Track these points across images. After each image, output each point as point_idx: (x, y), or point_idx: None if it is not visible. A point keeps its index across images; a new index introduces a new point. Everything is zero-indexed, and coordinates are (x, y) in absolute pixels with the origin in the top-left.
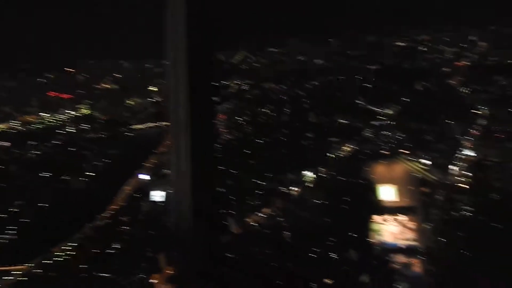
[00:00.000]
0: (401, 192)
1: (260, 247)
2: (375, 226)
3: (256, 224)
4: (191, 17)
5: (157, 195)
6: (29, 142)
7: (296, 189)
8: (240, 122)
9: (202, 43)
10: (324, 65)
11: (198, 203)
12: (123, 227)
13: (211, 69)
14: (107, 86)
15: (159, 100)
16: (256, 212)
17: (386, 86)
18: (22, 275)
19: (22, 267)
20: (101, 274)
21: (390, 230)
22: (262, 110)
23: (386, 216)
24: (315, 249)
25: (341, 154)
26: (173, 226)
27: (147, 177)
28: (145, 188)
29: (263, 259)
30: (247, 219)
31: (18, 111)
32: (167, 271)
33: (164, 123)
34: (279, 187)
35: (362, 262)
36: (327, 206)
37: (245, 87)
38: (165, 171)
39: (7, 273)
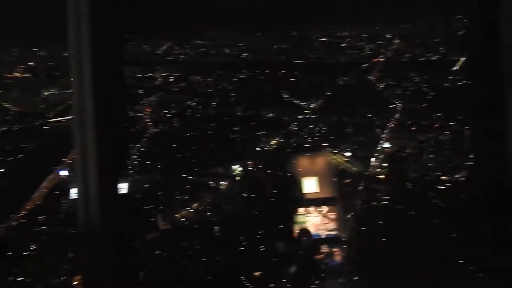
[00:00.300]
0: (323, 184)
1: (189, 242)
2: (300, 218)
3: (185, 219)
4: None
5: (75, 192)
6: None
7: (224, 182)
8: (167, 115)
9: (108, 29)
10: (250, 58)
11: (107, 202)
12: (41, 227)
13: (119, 59)
14: (18, 75)
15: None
16: (185, 207)
17: (310, 80)
18: None
19: None
20: (17, 279)
21: (313, 221)
22: (189, 103)
23: (309, 208)
24: (244, 242)
25: (268, 147)
26: (83, 226)
27: (65, 173)
28: (65, 185)
29: (193, 254)
30: (176, 215)
31: None
32: (88, 272)
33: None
34: (208, 181)
35: (289, 254)
36: (255, 199)
37: (171, 79)
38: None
39: None
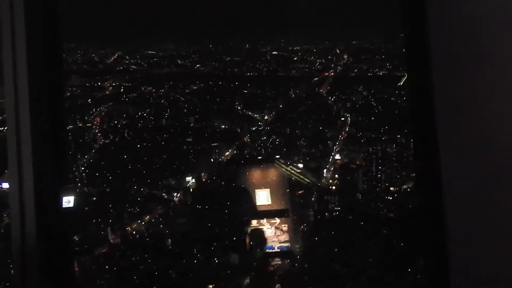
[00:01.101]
0: (276, 196)
1: (141, 255)
2: (253, 230)
3: (136, 233)
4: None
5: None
6: None
7: (177, 194)
8: (117, 126)
9: (45, 35)
10: (203, 70)
11: (44, 217)
12: None
13: (58, 68)
14: None
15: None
16: (136, 220)
17: (262, 92)
18: None
19: None
20: None
21: (268, 233)
22: (141, 113)
23: (262, 220)
24: (197, 255)
25: (221, 158)
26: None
27: (7, 186)
28: (6, 198)
29: (144, 268)
30: (127, 228)
31: None
32: None
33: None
34: (160, 194)
35: (242, 266)
36: (208, 211)
37: (121, 89)
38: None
39: None
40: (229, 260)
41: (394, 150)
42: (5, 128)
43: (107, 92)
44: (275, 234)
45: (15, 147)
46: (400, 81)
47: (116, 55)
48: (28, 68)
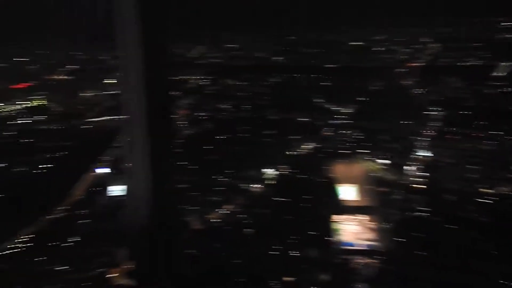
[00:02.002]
0: (360, 192)
1: (221, 244)
2: (335, 226)
3: (217, 221)
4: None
5: (116, 190)
6: None
7: (256, 186)
8: (200, 117)
9: (157, 33)
10: (282, 62)
11: (156, 200)
12: (80, 220)
13: (166, 61)
14: (61, 77)
15: (116, 93)
16: (216, 209)
17: (343, 85)
18: None
19: None
20: (58, 268)
21: (350, 229)
22: (222, 106)
23: (345, 216)
24: (275, 247)
25: (301, 152)
26: (130, 222)
27: (105, 171)
28: (104, 182)
29: (224, 256)
30: (208, 216)
31: None
32: (124, 266)
33: (121, 116)
34: (240, 184)
35: (322, 261)
36: (288, 204)
37: (204, 82)
38: (124, 165)
39: None
40: (308, 254)
41: (488, 148)
42: (100, 119)
43: (191, 85)
44: (358, 230)
45: (129, 132)
46: (496, 71)
47: (199, 49)
48: (142, 61)
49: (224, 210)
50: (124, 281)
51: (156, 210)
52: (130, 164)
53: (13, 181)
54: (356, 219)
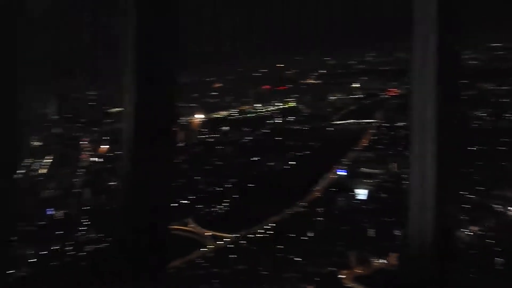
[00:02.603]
0: None
1: (466, 268)
2: None
3: (462, 241)
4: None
5: (359, 193)
6: (244, 128)
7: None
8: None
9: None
10: None
11: (442, 216)
12: (318, 218)
13: (459, 65)
14: (311, 81)
15: (360, 96)
16: (461, 229)
17: None
18: (230, 243)
19: (230, 235)
20: (294, 258)
21: None
22: (478, 113)
23: None
24: None
25: None
26: (412, 230)
27: (344, 173)
28: (343, 183)
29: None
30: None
31: (237, 101)
32: (356, 270)
33: (364, 120)
34: (493, 204)
35: None
36: None
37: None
38: (363, 169)
39: (220, 238)
40: None
41: None
42: (344, 122)
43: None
44: None
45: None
46: None
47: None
48: (437, 64)
49: (471, 231)
50: (353, 285)
51: (440, 219)
52: (414, 177)
53: (265, 174)
54: None
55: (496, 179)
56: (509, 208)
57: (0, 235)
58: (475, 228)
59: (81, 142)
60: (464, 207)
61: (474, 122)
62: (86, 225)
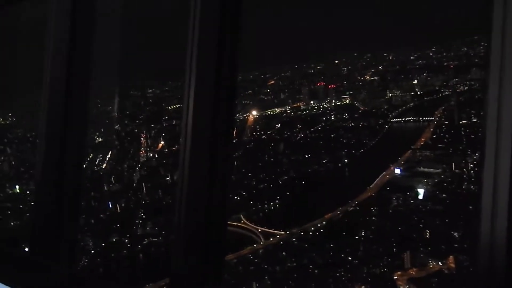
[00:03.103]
0: None
1: None
2: None
3: None
4: None
5: (416, 192)
6: (297, 125)
7: None
8: None
9: None
10: None
11: None
12: (372, 217)
13: None
14: (368, 78)
15: (419, 93)
16: None
17: None
18: (281, 240)
19: (282, 233)
20: (346, 257)
21: None
22: None
23: None
24: None
25: None
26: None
27: (401, 171)
28: (398, 182)
29: None
30: None
31: (291, 98)
32: (411, 272)
33: (424, 118)
34: None
35: None
36: None
37: None
38: (421, 168)
39: (271, 235)
40: None
41: None
42: (401, 119)
43: None
44: None
45: (493, 143)
46: None
47: None
48: None
49: None
50: (407, 286)
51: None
52: (491, 171)
53: (318, 171)
54: None
55: None
56: None
57: (68, 228)
58: None
59: (140, 139)
60: None
61: None
62: (142, 219)
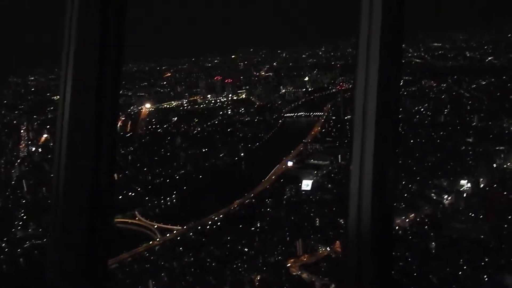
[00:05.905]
0: None
1: (403, 252)
2: None
3: (398, 228)
4: None
5: (307, 183)
6: (195, 119)
7: (448, 197)
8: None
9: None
10: (495, 62)
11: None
12: (267, 209)
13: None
14: (263, 73)
15: (310, 89)
16: (400, 216)
17: None
18: (178, 235)
19: (180, 228)
20: (242, 248)
21: None
22: (418, 108)
23: None
24: (464, 267)
25: (506, 164)
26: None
27: (292, 164)
28: (291, 174)
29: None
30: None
31: (188, 92)
32: (302, 258)
33: (314, 113)
34: (429, 193)
35: None
36: (488, 221)
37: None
38: (311, 160)
39: (169, 231)
40: (504, 282)
41: None
42: (294, 114)
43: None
44: None
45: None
46: None
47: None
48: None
49: (408, 218)
50: (300, 273)
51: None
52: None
53: (214, 165)
54: None
55: (432, 169)
56: (444, 196)
57: None
58: (411, 215)
59: (20, 131)
60: (403, 196)
61: (416, 116)
62: (23, 220)
